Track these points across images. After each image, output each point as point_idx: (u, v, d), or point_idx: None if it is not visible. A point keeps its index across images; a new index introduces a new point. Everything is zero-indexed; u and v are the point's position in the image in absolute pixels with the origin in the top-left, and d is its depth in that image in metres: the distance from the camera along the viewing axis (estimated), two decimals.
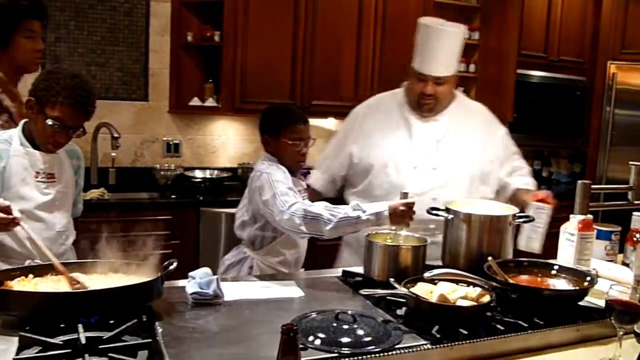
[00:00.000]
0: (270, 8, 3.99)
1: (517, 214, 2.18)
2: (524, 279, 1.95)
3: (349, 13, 4.22)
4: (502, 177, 2.60)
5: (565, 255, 2.12)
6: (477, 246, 2.11)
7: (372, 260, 2.00)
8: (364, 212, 2.01)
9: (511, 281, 1.87)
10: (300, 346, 1.38)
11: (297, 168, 2.37)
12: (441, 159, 2.49)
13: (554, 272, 2.00)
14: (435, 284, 1.79)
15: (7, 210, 1.74)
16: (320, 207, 2.06)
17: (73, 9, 3.84)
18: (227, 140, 4.38)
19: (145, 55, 4.02)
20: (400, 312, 1.72)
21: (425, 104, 2.51)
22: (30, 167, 2.03)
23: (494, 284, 1.81)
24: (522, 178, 2.62)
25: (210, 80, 4.15)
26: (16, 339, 1.40)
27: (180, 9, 4.07)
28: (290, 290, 1.92)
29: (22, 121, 2.11)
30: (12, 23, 2.29)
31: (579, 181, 2.25)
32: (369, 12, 4.29)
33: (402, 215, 2.03)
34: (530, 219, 2.19)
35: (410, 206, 2.04)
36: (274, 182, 2.16)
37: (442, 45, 2.47)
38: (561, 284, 1.94)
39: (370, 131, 2.59)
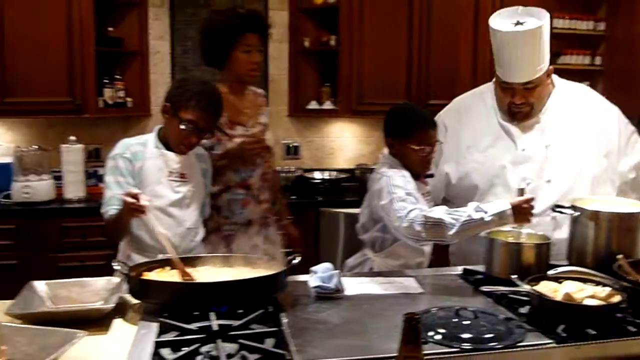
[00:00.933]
0: (385, 10, 4.02)
1: None
2: None
3: (464, 11, 4.14)
4: (624, 171, 2.38)
5: None
6: (605, 245, 2.01)
7: (493, 258, 1.97)
8: (486, 212, 1.92)
9: None
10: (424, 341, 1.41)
11: (422, 172, 2.28)
12: (555, 168, 2.29)
13: None
14: (560, 282, 1.74)
15: (136, 197, 1.90)
16: (441, 212, 1.98)
17: (198, 22, 4.06)
18: (344, 142, 4.45)
19: (265, 62, 4.19)
20: (523, 310, 1.68)
21: (517, 112, 2.32)
22: (164, 167, 2.20)
23: (625, 284, 1.72)
24: None
25: (328, 84, 4.24)
26: (156, 324, 1.53)
27: (297, 16, 4.20)
28: (410, 287, 1.93)
29: (157, 127, 2.30)
30: (231, 40, 2.41)
31: None
32: (485, 9, 4.18)
33: (525, 213, 1.96)
34: None
35: (530, 202, 1.97)
36: (393, 186, 2.10)
37: (522, 50, 2.20)
38: None
39: (466, 145, 2.40)
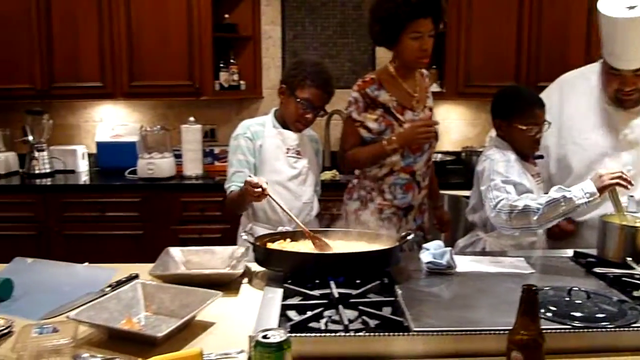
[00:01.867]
0: None
1: None
2: None
3: None
4: None
5: None
6: None
7: (606, 241, 1.96)
8: (569, 191, 1.92)
9: None
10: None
11: (530, 153, 2.29)
12: None
13: None
14: None
15: (257, 184, 2.05)
16: (527, 199, 2.00)
17: (307, 8, 4.21)
18: (450, 125, 4.45)
19: (372, 46, 4.26)
20: (637, 293, 1.68)
21: (626, 100, 2.24)
22: (282, 144, 2.35)
23: None
24: None
25: (435, 67, 4.25)
26: (280, 290, 1.66)
27: None
28: (520, 266, 1.96)
29: (273, 108, 2.46)
30: (400, 24, 2.29)
31: None
32: None
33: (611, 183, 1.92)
34: None
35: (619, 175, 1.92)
36: (493, 172, 2.12)
37: (632, 35, 2.11)
38: None
39: (567, 126, 2.35)
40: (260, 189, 2.04)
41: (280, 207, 2.10)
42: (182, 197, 3.71)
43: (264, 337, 1.10)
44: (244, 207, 2.36)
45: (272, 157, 2.36)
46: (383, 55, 4.27)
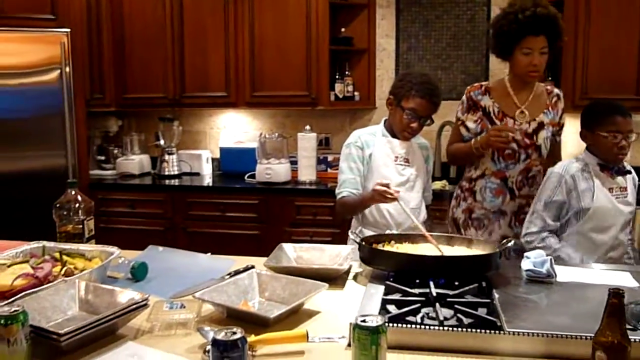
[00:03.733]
0: (613, 1, 3.86)
1: None
2: None
3: None
4: None
5: None
6: None
7: None
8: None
9: None
10: (632, 328, 1.49)
11: (616, 162, 2.34)
12: None
13: None
14: None
15: (388, 186, 2.21)
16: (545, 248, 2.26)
17: (422, 21, 4.30)
18: (566, 137, 4.29)
19: (485, 57, 4.27)
20: None
21: None
22: (391, 153, 2.48)
23: None
24: None
25: (550, 78, 4.19)
26: (382, 286, 1.78)
27: None
28: (624, 280, 1.96)
29: (383, 118, 2.59)
30: (512, 40, 2.48)
31: None
32: None
33: None
34: None
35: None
36: (543, 189, 2.38)
37: None
38: None
39: None
40: (391, 190, 2.23)
41: (405, 210, 2.24)
42: (296, 201, 3.92)
43: (363, 321, 1.23)
44: (357, 211, 2.52)
45: (381, 164, 2.50)
46: (496, 67, 4.28)
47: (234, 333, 1.16)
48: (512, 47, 2.49)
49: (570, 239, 2.34)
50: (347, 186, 2.47)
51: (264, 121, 4.57)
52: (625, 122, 2.28)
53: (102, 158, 4.56)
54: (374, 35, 4.38)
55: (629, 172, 2.41)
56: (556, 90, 2.69)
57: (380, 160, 2.49)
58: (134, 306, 1.50)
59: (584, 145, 2.44)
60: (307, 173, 4.07)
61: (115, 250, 1.91)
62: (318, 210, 3.85)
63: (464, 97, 2.69)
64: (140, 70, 4.38)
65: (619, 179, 2.37)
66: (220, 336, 1.15)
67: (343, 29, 4.31)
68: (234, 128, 4.62)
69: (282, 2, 4.10)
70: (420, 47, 4.32)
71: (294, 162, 4.13)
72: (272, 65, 4.15)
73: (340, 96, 4.26)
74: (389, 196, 2.23)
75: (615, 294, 1.15)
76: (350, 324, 1.27)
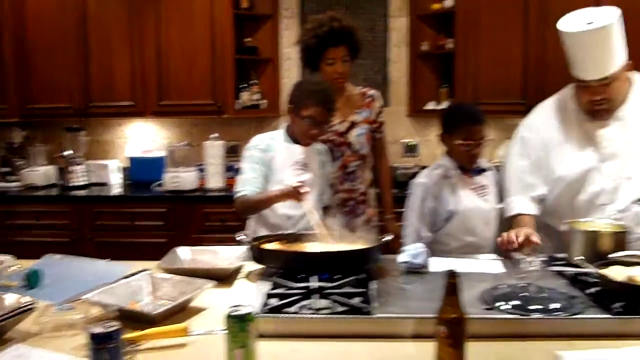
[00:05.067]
0: (501, 12, 4.14)
1: None
2: None
3: (582, 5, 4.16)
4: None
5: None
6: None
7: (572, 244, 2.14)
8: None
9: None
10: (488, 307, 1.67)
11: (470, 166, 2.50)
12: (636, 164, 2.33)
13: None
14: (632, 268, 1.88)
15: (298, 188, 2.33)
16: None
17: None
18: None
19: (384, 65, 4.49)
20: (591, 291, 1.85)
21: (597, 110, 2.36)
22: (290, 157, 2.60)
23: None
24: None
25: (445, 85, 4.46)
26: (270, 283, 1.90)
27: (415, 22, 4.46)
28: (493, 267, 2.16)
29: (284, 124, 2.71)
30: (317, 53, 2.77)
31: None
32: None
33: None
34: None
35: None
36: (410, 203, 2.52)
37: (594, 47, 2.26)
38: None
39: (554, 141, 2.47)
40: (304, 190, 2.34)
41: (308, 212, 2.35)
42: (204, 208, 3.99)
43: (233, 311, 1.34)
44: (261, 209, 2.59)
45: (280, 169, 2.61)
46: (395, 75, 4.52)
47: (111, 327, 1.25)
48: (317, 59, 2.76)
49: (445, 242, 2.51)
50: (248, 185, 2.56)
51: (172, 130, 4.62)
52: (479, 130, 2.43)
53: (6, 170, 4.47)
54: (278, 45, 4.52)
55: (485, 170, 2.57)
56: (371, 92, 2.97)
57: (280, 165, 2.61)
58: (20, 310, 1.54)
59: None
60: (215, 180, 4.15)
61: (5, 257, 1.94)
62: (227, 217, 3.93)
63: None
64: (44, 80, 4.32)
65: (478, 178, 2.54)
66: (96, 330, 1.23)
67: (248, 39, 4.43)
68: (142, 137, 4.63)
69: (187, 12, 4.17)
70: None
71: (201, 170, 4.19)
72: (178, 74, 4.21)
73: (247, 104, 4.36)
74: (299, 196, 2.33)
75: (452, 275, 1.32)
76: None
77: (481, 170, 2.56)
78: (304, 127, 2.57)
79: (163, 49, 4.19)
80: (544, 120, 2.55)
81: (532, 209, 2.46)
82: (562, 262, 2.15)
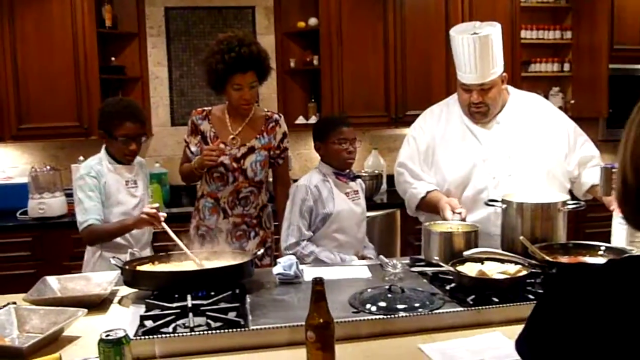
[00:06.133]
0: (362, 31, 4.39)
1: (567, 201, 2.39)
2: (564, 259, 2.18)
3: (436, 23, 4.49)
4: (571, 170, 2.64)
5: (618, 238, 2.31)
6: (530, 232, 2.33)
7: (430, 245, 2.32)
8: None
9: (548, 259, 2.11)
10: (356, 310, 1.78)
11: (347, 167, 2.66)
12: (514, 164, 2.57)
13: (600, 252, 2.21)
14: (483, 263, 2.09)
15: (157, 209, 2.35)
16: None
17: (192, 49, 4.50)
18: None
19: None
20: (449, 287, 2.03)
21: (476, 112, 2.58)
22: (121, 178, 2.63)
23: (532, 261, 2.07)
24: (594, 170, 2.58)
25: (313, 100, 4.62)
26: (144, 306, 1.90)
27: (282, 39, 4.60)
28: (361, 272, 2.29)
29: (104, 145, 2.72)
30: (223, 79, 2.72)
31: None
32: (456, 21, 4.51)
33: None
34: (581, 206, 2.39)
35: None
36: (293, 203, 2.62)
37: (477, 54, 2.48)
38: (599, 260, 2.15)
39: (441, 143, 2.66)
40: (160, 215, 2.34)
41: (170, 233, 2.33)
42: (73, 234, 3.84)
43: (107, 335, 1.34)
44: (115, 237, 2.58)
45: (115, 191, 2.62)
46: (266, 91, 4.61)
47: None
48: (223, 83, 2.73)
49: (320, 242, 2.63)
50: (92, 214, 2.52)
51: (35, 154, 4.40)
52: (350, 131, 2.64)
53: None
54: (146, 64, 4.47)
55: (358, 177, 2.78)
56: (275, 116, 2.93)
57: (113, 187, 2.61)
58: None
59: None
60: None
61: None
62: None
63: (189, 121, 2.91)
64: None
65: (352, 183, 2.72)
66: None
67: (113, 58, 4.34)
68: (2, 163, 4.37)
69: (47, 31, 4.00)
70: (192, 74, 4.51)
71: (69, 195, 4.02)
72: (39, 96, 4.02)
73: None
74: (157, 222, 2.34)
75: (317, 282, 1.40)
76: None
77: (355, 177, 2.75)
78: (121, 147, 2.61)
79: (21, 71, 3.99)
80: (430, 122, 2.75)
81: (433, 186, 2.65)
82: (422, 263, 2.32)
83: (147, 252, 2.69)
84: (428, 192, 2.62)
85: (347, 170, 2.70)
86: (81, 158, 4.04)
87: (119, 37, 4.39)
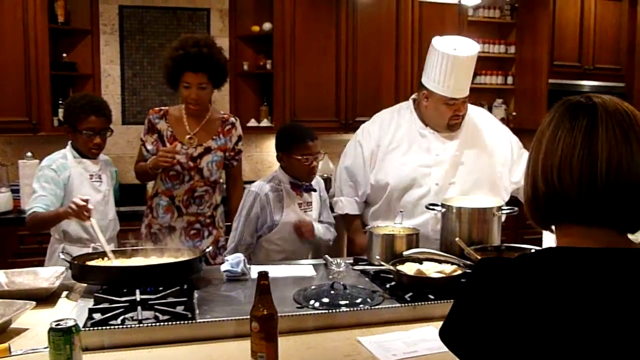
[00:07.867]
0: (314, 37, 4.50)
1: (502, 207, 2.54)
2: None
3: (386, 33, 4.65)
4: (517, 181, 2.78)
5: (547, 242, 2.47)
6: (467, 235, 2.47)
7: (372, 247, 2.43)
8: None
9: (478, 257, 2.25)
10: (300, 306, 1.87)
11: (308, 180, 2.69)
12: (459, 172, 2.70)
13: None
14: (421, 263, 2.20)
15: (87, 202, 2.34)
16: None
17: (146, 48, 4.51)
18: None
19: None
20: (389, 285, 2.13)
21: (456, 122, 2.72)
22: (85, 172, 2.65)
23: (467, 262, 2.21)
24: None
25: (265, 104, 4.69)
26: (92, 299, 1.93)
27: (236, 42, 4.66)
28: (306, 271, 2.38)
29: (69, 141, 2.76)
30: (175, 77, 2.80)
31: None
32: (405, 31, 4.69)
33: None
34: (514, 211, 2.55)
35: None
36: (242, 208, 2.67)
37: (466, 69, 2.64)
38: None
39: (390, 148, 2.76)
40: (88, 209, 2.33)
41: (95, 231, 2.36)
42: (18, 231, 3.80)
43: (57, 324, 1.39)
44: (49, 225, 2.62)
45: (78, 184, 2.66)
46: (218, 94, 4.64)
47: None
48: (176, 80, 2.80)
49: (265, 246, 2.68)
50: (39, 202, 2.55)
51: None
52: (314, 145, 2.63)
53: None
54: (98, 61, 4.45)
55: (315, 190, 2.76)
56: (232, 119, 2.99)
57: (77, 180, 2.65)
58: None
59: None
60: None
61: None
62: (44, 238, 3.76)
63: (146, 119, 2.94)
64: None
65: (306, 195, 2.73)
66: None
67: (65, 54, 4.31)
68: None
69: None
70: (145, 74, 4.51)
71: (15, 191, 3.99)
72: None
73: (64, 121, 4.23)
74: (84, 214, 2.34)
75: (262, 276, 1.48)
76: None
77: (311, 190, 2.74)
78: (86, 140, 2.66)
79: None
80: (379, 127, 2.85)
81: (357, 210, 2.88)
82: (365, 263, 2.43)
83: (112, 246, 2.66)
84: (347, 214, 2.89)
85: (303, 183, 2.69)
86: (29, 154, 4.01)
87: (71, 33, 4.37)
